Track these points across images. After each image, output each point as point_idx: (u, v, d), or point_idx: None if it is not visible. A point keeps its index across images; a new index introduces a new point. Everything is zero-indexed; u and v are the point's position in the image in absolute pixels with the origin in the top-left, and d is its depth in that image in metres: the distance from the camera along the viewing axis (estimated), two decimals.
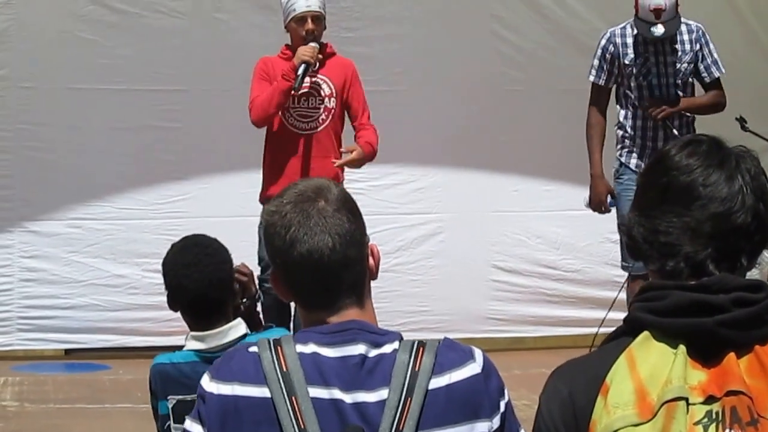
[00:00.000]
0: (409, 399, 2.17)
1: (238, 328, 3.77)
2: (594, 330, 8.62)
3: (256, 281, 4.05)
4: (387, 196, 8.18)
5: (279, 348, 2.22)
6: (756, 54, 9.03)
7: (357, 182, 7.47)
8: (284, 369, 2.18)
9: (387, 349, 2.23)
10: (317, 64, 6.63)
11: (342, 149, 6.69)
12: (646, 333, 2.09)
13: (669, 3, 6.80)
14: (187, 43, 8.34)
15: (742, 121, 7.11)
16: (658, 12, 6.79)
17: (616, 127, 7.13)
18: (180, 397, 3.71)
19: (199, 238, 3.88)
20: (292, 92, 6.51)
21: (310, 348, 2.22)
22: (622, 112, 7.07)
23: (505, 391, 2.28)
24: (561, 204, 8.83)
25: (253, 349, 2.23)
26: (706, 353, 2.06)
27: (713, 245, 2.12)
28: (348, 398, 2.18)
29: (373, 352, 2.22)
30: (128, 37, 8.28)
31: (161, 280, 3.82)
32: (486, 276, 8.79)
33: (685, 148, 2.20)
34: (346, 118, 6.87)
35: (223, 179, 8.34)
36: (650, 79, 6.94)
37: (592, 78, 7.08)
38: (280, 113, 6.60)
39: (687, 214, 2.14)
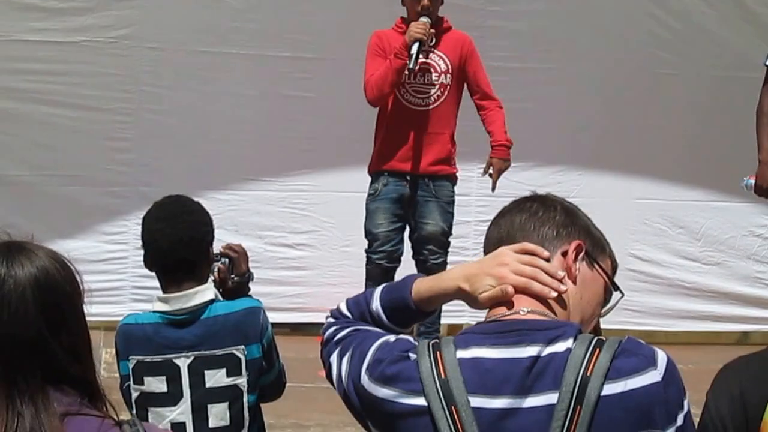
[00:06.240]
0: (579, 407, 2.13)
1: (205, 293, 3.82)
2: (730, 327, 8.66)
3: (249, 261, 4.15)
4: (526, 178, 8.04)
5: (438, 353, 2.22)
6: None
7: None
8: (443, 376, 2.19)
9: (560, 347, 2.19)
10: (432, 40, 6.79)
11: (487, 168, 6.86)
12: None
13: None
14: (319, 9, 8.24)
15: None
16: None
17: None
18: (141, 357, 3.77)
19: (181, 198, 3.95)
20: (407, 71, 6.67)
21: (471, 352, 2.23)
22: None
23: (685, 402, 2.19)
24: (707, 195, 8.77)
25: (413, 355, 2.24)
26: None
27: None
28: (514, 404, 2.16)
29: (546, 351, 2.19)
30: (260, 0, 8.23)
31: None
32: (622, 265, 8.60)
33: None
34: (465, 94, 6.98)
35: (352, 152, 8.02)
36: None
37: None
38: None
39: None
